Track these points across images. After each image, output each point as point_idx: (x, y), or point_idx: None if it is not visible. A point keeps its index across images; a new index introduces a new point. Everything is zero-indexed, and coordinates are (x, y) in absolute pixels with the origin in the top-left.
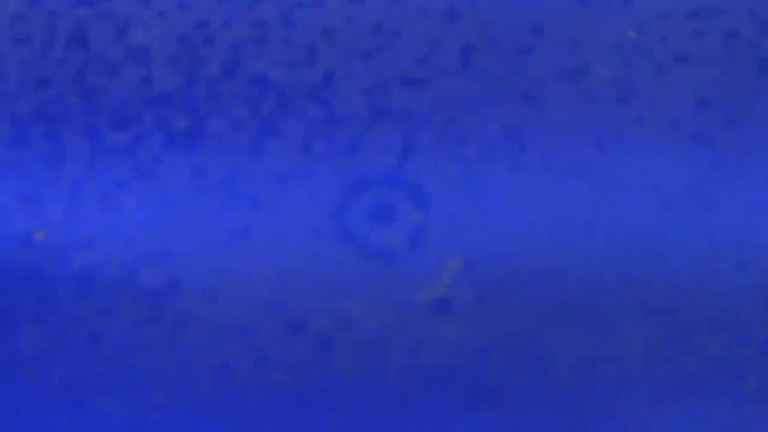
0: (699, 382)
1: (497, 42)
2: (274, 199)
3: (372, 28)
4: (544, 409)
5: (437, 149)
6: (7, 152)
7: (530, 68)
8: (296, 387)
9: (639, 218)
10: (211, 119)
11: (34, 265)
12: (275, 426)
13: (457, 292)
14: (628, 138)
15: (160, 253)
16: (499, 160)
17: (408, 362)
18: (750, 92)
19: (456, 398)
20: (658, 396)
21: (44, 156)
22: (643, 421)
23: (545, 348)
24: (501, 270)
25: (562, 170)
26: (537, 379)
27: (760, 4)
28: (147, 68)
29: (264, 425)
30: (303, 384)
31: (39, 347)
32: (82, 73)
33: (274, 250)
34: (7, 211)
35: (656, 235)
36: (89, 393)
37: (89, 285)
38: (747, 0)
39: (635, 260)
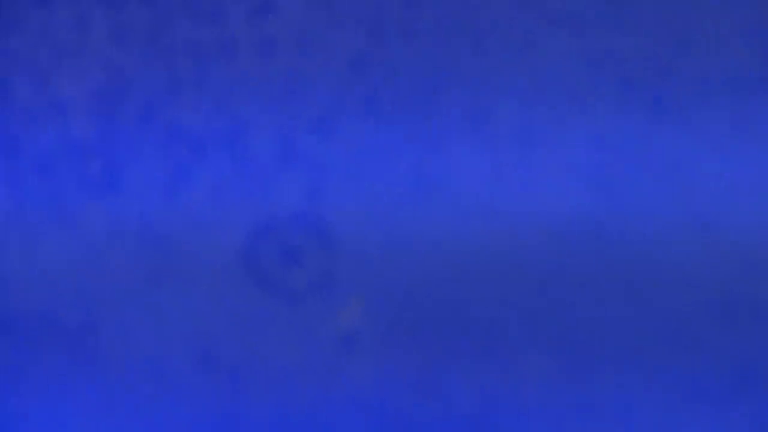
0: (596, 409)
1: (402, 88)
2: (187, 240)
3: (283, 77)
4: None
5: (344, 190)
6: None
7: (438, 110)
8: (209, 420)
9: (541, 254)
10: (127, 166)
11: None
12: None
13: (363, 326)
14: (529, 177)
15: (79, 295)
16: (404, 201)
17: (316, 393)
18: (641, 132)
19: (362, 427)
20: (560, 424)
21: None
22: None
23: (449, 379)
24: (405, 306)
25: (465, 210)
26: (441, 408)
27: (654, 50)
28: (66, 118)
29: None
30: (216, 417)
31: None
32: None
33: (187, 290)
34: None
35: (557, 269)
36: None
37: (13, 326)
38: (641, 46)
39: (539, 294)
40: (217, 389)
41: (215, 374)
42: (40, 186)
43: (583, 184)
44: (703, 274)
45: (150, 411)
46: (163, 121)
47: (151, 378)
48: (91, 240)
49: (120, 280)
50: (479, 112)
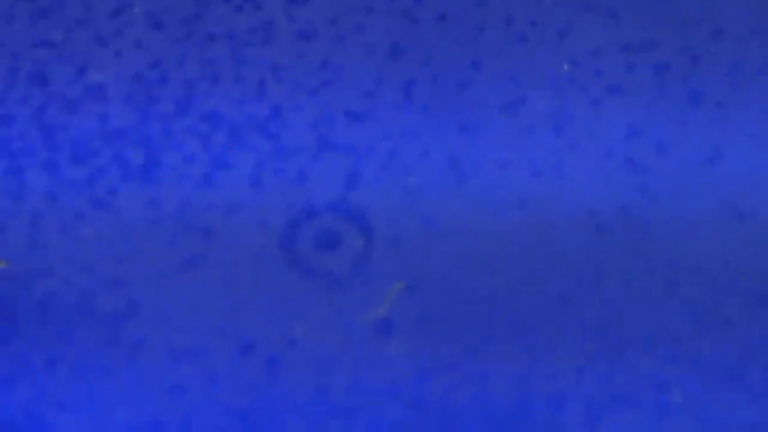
0: (631, 395)
1: (437, 76)
2: (225, 227)
3: (319, 65)
4: (482, 423)
5: (380, 178)
6: None
7: (470, 101)
8: (246, 406)
9: (574, 242)
10: (166, 153)
11: None
12: None
13: (399, 313)
14: (564, 165)
15: (118, 279)
16: (440, 189)
17: (352, 380)
18: (677, 121)
19: (398, 414)
20: (594, 410)
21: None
22: None
23: (484, 365)
24: (441, 292)
25: (500, 198)
26: (476, 395)
27: (689, 39)
28: (104, 105)
29: None
30: (253, 403)
31: (3, 369)
32: (42, 109)
33: (225, 276)
34: None
35: (591, 256)
36: (51, 412)
37: (52, 310)
38: (676, 35)
39: (572, 281)
40: (256, 373)
41: (254, 359)
42: (78, 172)
43: (618, 172)
44: (739, 263)
45: (191, 395)
46: (201, 108)
47: (191, 363)
48: (130, 225)
49: (158, 265)
50: (514, 100)
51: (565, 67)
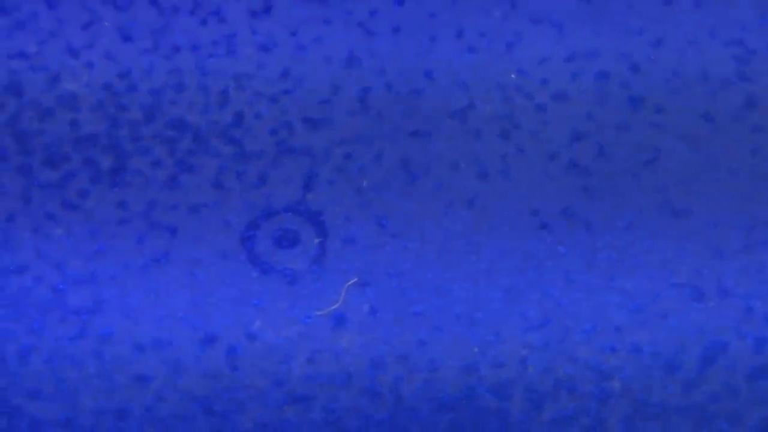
0: (573, 385)
1: (391, 85)
2: (190, 226)
3: (279, 74)
4: (431, 408)
5: (336, 180)
6: None
7: (422, 107)
8: (208, 394)
9: (520, 238)
10: (133, 157)
11: None
12: (190, 430)
13: (352, 307)
14: (511, 167)
15: (88, 275)
16: (392, 190)
17: (309, 369)
18: (618, 125)
19: (352, 401)
20: (532, 400)
21: None
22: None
23: (432, 355)
24: (392, 287)
25: (449, 198)
26: (424, 381)
27: (629, 48)
28: (76, 113)
29: (179, 429)
30: (215, 391)
31: None
32: (16, 117)
33: (188, 272)
34: None
35: (535, 254)
36: (24, 400)
37: (23, 304)
38: (617, 44)
39: (517, 276)
40: (218, 364)
41: (216, 350)
42: (51, 175)
43: (562, 173)
44: (674, 258)
45: (155, 384)
46: (167, 115)
47: (157, 354)
48: (99, 225)
49: (125, 262)
50: (464, 107)
51: (513, 75)
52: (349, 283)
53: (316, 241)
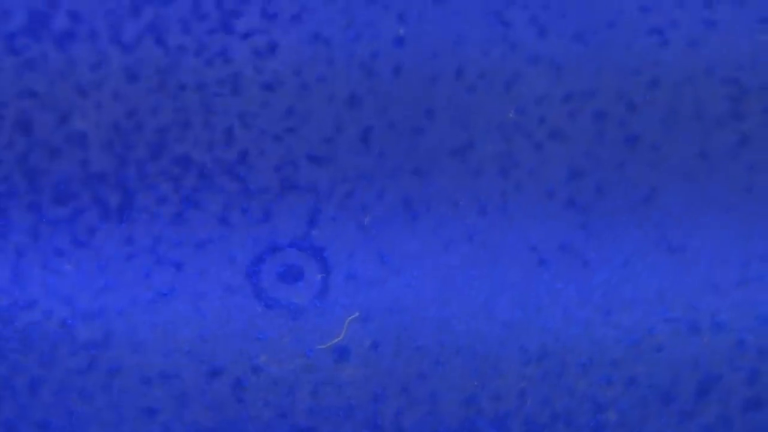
0: (571, 417)
1: (393, 123)
2: (196, 262)
3: (283, 113)
4: None
5: (339, 217)
6: None
7: (423, 146)
8: (215, 426)
9: (518, 274)
10: (140, 194)
11: None
12: None
13: (355, 341)
14: (509, 204)
15: (96, 310)
16: (393, 227)
17: (312, 402)
18: (616, 164)
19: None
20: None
21: None
22: None
23: (433, 388)
24: (393, 322)
25: (449, 234)
26: (426, 414)
27: (626, 87)
28: (84, 151)
29: None
30: (221, 423)
31: None
32: (26, 155)
33: (195, 307)
34: None
35: (534, 289)
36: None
37: (32, 339)
38: (614, 84)
39: (516, 310)
40: (224, 396)
41: (222, 383)
42: (60, 212)
43: (560, 211)
44: (670, 294)
45: (164, 417)
46: (173, 152)
47: (164, 387)
48: (107, 261)
49: (133, 297)
50: (464, 145)
51: (511, 114)
52: (351, 317)
53: (319, 276)
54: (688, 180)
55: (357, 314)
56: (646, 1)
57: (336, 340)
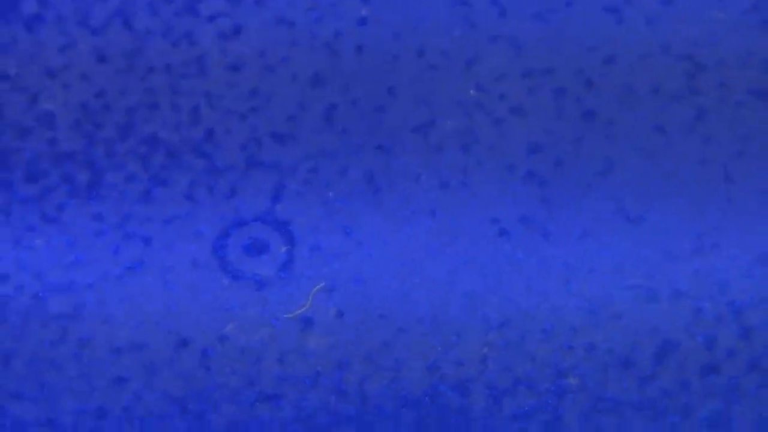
0: (532, 382)
1: (356, 102)
2: (163, 237)
3: (248, 93)
4: (396, 407)
5: (303, 192)
6: None
7: (385, 123)
8: (183, 395)
9: (479, 246)
10: (109, 172)
11: None
12: (167, 428)
13: (319, 311)
14: (471, 179)
15: (67, 283)
16: (357, 201)
17: (278, 370)
18: (574, 138)
19: (321, 400)
20: (492, 396)
21: None
22: (487, 422)
23: (397, 356)
24: (357, 292)
25: (412, 208)
26: (390, 381)
27: (584, 64)
28: (54, 131)
29: (156, 427)
30: (189, 392)
31: None
32: None
33: (163, 280)
34: None
35: (495, 260)
36: (7, 401)
37: (5, 311)
38: (572, 61)
39: (478, 282)
40: (192, 366)
41: (190, 353)
42: (30, 190)
43: (520, 184)
44: (628, 264)
45: (133, 386)
46: (141, 132)
47: (133, 357)
48: (76, 237)
49: (102, 271)
50: (426, 122)
51: (472, 92)
52: (316, 288)
53: (284, 249)
54: (644, 154)
55: (322, 285)
56: None
57: (301, 311)
